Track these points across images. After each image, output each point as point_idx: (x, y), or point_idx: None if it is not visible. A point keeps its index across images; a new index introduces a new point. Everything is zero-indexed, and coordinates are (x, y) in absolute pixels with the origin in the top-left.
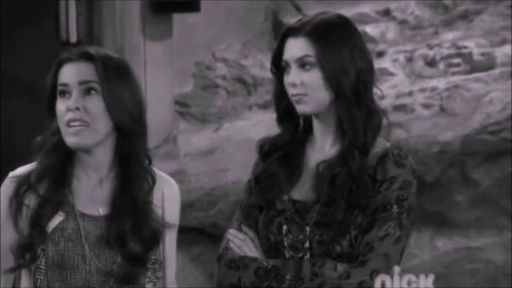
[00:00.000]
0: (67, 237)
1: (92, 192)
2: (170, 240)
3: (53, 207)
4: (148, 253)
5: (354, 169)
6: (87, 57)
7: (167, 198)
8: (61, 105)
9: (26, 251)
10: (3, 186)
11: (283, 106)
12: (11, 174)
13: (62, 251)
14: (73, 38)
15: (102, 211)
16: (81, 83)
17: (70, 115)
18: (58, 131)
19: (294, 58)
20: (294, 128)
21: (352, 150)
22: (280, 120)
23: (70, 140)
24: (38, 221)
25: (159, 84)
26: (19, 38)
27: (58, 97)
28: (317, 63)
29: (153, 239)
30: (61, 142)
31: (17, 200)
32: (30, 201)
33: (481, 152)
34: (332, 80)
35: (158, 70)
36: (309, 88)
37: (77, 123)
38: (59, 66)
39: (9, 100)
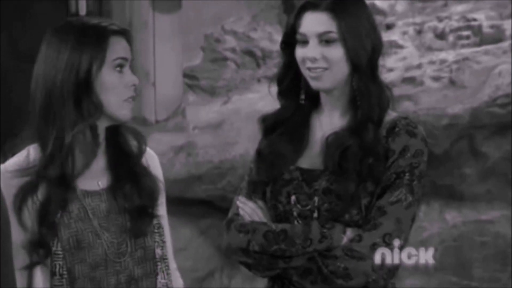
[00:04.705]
0: (76, 218)
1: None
2: (162, 210)
3: (59, 201)
4: (152, 205)
5: (369, 141)
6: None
7: (153, 169)
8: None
9: (39, 247)
10: (2, 182)
11: (288, 80)
12: (8, 167)
13: (75, 232)
14: (83, 11)
15: (101, 183)
16: None
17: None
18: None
19: (315, 33)
20: (297, 102)
21: (367, 123)
22: (283, 94)
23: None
24: (46, 217)
25: (168, 57)
26: (29, 11)
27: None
28: (340, 39)
29: (154, 190)
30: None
31: (21, 196)
32: (34, 195)
33: (490, 125)
34: (352, 55)
35: (167, 43)
36: (330, 63)
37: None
38: None
39: (20, 73)
